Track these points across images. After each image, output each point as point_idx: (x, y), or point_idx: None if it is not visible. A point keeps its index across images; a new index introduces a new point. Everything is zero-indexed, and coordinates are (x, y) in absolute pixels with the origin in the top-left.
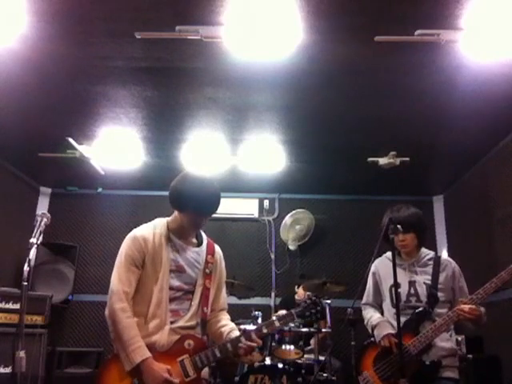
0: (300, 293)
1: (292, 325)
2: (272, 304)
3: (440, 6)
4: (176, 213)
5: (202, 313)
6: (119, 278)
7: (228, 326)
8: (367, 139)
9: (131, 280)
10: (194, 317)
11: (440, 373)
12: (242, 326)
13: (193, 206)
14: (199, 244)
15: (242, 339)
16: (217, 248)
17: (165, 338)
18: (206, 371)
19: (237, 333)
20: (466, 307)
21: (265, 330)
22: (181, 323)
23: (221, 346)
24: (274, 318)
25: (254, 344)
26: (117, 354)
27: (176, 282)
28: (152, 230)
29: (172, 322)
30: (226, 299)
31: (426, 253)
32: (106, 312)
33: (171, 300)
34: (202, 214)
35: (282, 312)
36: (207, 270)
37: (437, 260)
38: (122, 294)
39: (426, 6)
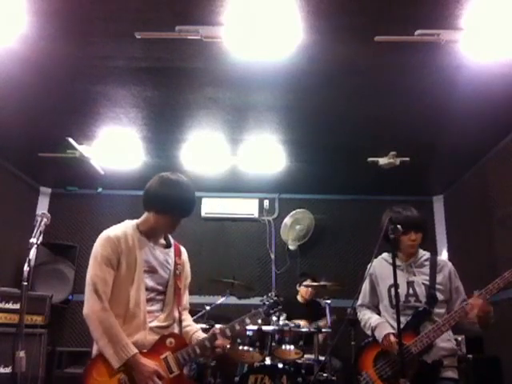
0: (303, 291)
1: (292, 325)
2: None
3: (440, 6)
4: (149, 215)
5: (177, 312)
6: (96, 279)
7: (193, 327)
8: (367, 139)
9: (107, 280)
10: (168, 317)
11: (441, 373)
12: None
13: (175, 210)
14: (168, 246)
15: (218, 336)
16: (183, 249)
17: (145, 337)
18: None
19: (201, 333)
20: (479, 301)
21: (237, 327)
22: (156, 323)
23: (199, 343)
24: (245, 316)
25: (228, 340)
26: (100, 354)
27: (150, 283)
28: (123, 230)
29: (149, 322)
30: (188, 299)
31: (422, 253)
32: (86, 312)
33: (146, 301)
34: (182, 217)
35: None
36: (177, 271)
37: (433, 261)
38: (101, 294)
39: (426, 6)
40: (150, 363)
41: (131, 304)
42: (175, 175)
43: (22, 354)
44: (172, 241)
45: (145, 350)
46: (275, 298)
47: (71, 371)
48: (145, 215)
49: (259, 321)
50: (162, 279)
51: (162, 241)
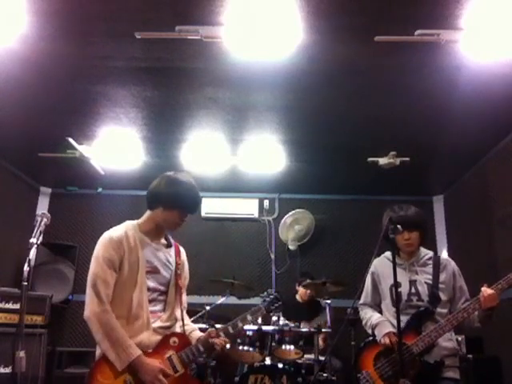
0: (301, 292)
1: (292, 325)
2: None
3: (440, 6)
4: (154, 213)
5: (179, 312)
6: (97, 280)
7: (190, 326)
8: (367, 139)
9: (109, 282)
10: (170, 316)
11: (442, 373)
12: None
13: (184, 205)
14: (169, 245)
15: (222, 334)
16: (182, 249)
17: (148, 338)
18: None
19: (198, 333)
20: (489, 291)
21: (240, 324)
22: (159, 323)
23: (203, 341)
24: (246, 313)
25: (229, 339)
26: (103, 355)
27: (152, 283)
28: (125, 231)
29: (152, 323)
30: (186, 300)
31: (425, 252)
32: (87, 315)
33: (149, 301)
34: (189, 213)
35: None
36: (178, 271)
37: (436, 260)
38: (103, 296)
39: (426, 6)
40: (154, 362)
41: (134, 305)
42: (180, 174)
43: (22, 353)
44: (172, 241)
45: (149, 351)
46: (275, 294)
47: (71, 371)
48: (147, 214)
49: (260, 319)
50: (164, 279)
51: (163, 241)
